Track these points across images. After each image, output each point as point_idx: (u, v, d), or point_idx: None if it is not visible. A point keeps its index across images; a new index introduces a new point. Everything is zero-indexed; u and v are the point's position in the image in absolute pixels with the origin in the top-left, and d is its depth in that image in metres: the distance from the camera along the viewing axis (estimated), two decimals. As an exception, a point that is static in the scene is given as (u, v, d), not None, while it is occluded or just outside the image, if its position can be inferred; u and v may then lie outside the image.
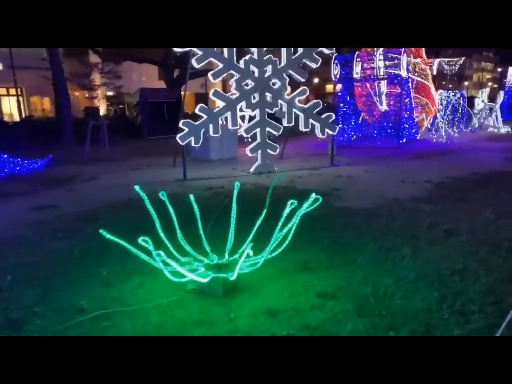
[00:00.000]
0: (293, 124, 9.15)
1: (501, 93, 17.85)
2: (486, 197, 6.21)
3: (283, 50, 8.79)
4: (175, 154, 10.17)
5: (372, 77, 12.96)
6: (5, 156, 9.75)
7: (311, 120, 9.20)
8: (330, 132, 9.50)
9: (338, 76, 13.22)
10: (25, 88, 30.02)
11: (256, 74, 8.64)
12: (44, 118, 21.47)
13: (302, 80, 9.09)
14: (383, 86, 13.86)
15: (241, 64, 8.46)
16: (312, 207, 3.39)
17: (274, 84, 8.85)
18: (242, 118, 11.44)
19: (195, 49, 7.96)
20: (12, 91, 29.86)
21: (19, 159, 9.88)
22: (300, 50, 8.91)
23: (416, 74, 14.30)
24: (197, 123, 8.22)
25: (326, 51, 9.14)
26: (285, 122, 9.08)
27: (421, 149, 12.18)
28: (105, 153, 12.62)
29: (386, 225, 4.94)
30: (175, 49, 8.64)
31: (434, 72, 16.35)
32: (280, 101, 8.91)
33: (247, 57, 8.52)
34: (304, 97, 9.12)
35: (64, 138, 15.78)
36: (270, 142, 9.05)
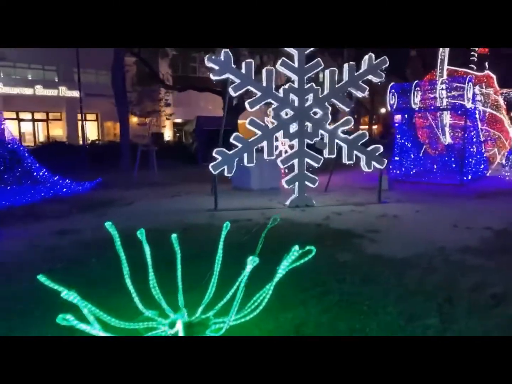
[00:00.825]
0: (335, 155, 8.51)
1: None
2: (558, 252, 5.06)
3: (326, 78, 8.30)
4: (213, 182, 9.95)
5: (432, 107, 11.91)
6: (56, 177, 10.20)
7: (355, 152, 8.50)
8: (378, 166, 8.70)
9: (395, 106, 12.35)
10: (100, 114, 32.50)
11: (296, 103, 8.21)
12: (109, 142, 22.77)
13: (347, 109, 8.48)
14: (446, 117, 12.71)
15: (280, 92, 8.10)
16: (301, 261, 2.77)
17: (315, 113, 8.35)
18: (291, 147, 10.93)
19: (232, 77, 7.76)
20: (91, 116, 32.55)
21: (67, 181, 10.28)
22: (346, 78, 8.36)
23: (486, 105, 12.95)
24: (231, 152, 7.93)
25: (374, 79, 8.48)
26: (326, 154, 8.48)
27: (488, 188, 10.78)
28: (153, 178, 12.83)
29: (418, 281, 4.11)
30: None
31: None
32: (321, 131, 8.36)
33: (286, 85, 8.15)
34: (348, 127, 8.48)
35: (121, 162, 16.47)
36: (308, 174, 8.47)
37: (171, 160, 18.00)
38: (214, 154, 7.88)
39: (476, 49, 15.77)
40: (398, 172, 12.81)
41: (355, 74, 8.32)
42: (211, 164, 7.91)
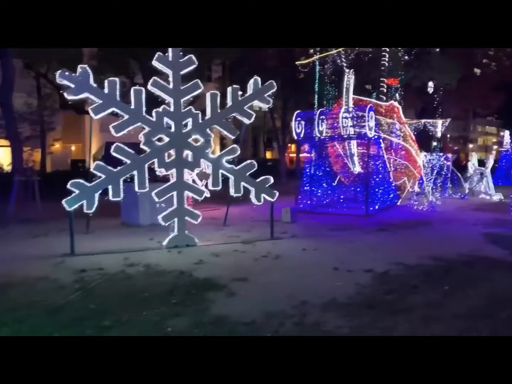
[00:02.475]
0: (220, 187, 7.58)
1: (490, 157, 16.28)
2: (430, 304, 4.38)
3: (207, 103, 7.45)
4: (88, 219, 8.61)
5: (336, 136, 11.56)
6: None
7: (243, 184, 7.64)
8: (269, 199, 7.90)
9: (302, 135, 11.87)
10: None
11: (173, 129, 7.24)
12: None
13: (232, 137, 7.66)
14: (354, 146, 12.45)
15: (153, 116, 7.09)
16: None
17: (197, 140, 7.43)
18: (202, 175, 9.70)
19: (92, 97, 6.63)
20: (3, 141, 29.32)
21: None
22: (229, 102, 7.58)
23: (392, 134, 12.93)
24: (91, 184, 6.71)
25: (261, 104, 7.79)
26: (210, 185, 7.54)
27: (393, 219, 10.42)
28: (32, 212, 11.09)
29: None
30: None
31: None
32: (203, 161, 7.43)
33: (160, 108, 7.16)
34: (233, 156, 7.63)
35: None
36: (190, 208, 7.44)
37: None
38: (69, 187, 6.61)
39: (385, 80, 16.09)
40: (308, 202, 12.25)
41: (239, 99, 7.57)
42: (65, 199, 6.62)
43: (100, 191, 6.74)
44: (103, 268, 5.88)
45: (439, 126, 17.37)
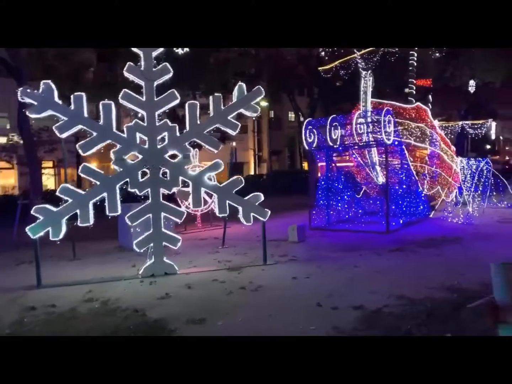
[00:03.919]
0: (202, 208, 6.80)
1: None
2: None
3: (186, 114, 6.75)
4: (73, 244, 8.15)
5: (351, 144, 10.42)
6: None
7: (229, 202, 6.81)
8: (260, 218, 6.99)
9: (315, 144, 10.84)
10: (56, 161, 30.47)
11: (146, 145, 6.59)
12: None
13: (215, 151, 6.87)
14: (375, 154, 11.23)
15: (124, 132, 6.49)
16: None
17: (174, 156, 6.73)
18: (181, 195, 9.23)
19: (56, 114, 6.16)
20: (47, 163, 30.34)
21: None
22: (211, 113, 6.83)
23: (418, 140, 11.55)
24: (57, 209, 6.18)
25: (247, 113, 6.96)
26: (191, 206, 6.79)
27: (416, 236, 9.09)
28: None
29: None
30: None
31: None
32: (182, 178, 6.70)
33: (132, 123, 6.55)
34: (216, 172, 6.84)
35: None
36: (167, 232, 6.71)
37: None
38: (33, 212, 6.12)
39: (414, 81, 14.71)
40: (325, 217, 11.16)
41: (222, 108, 6.80)
42: (28, 227, 6.13)
43: (67, 217, 6.20)
44: (56, 305, 5.25)
45: (492, 128, 15.58)
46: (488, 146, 53.72)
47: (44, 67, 14.81)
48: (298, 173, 29.96)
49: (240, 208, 6.85)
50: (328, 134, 10.17)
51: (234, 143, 35.13)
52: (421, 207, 11.58)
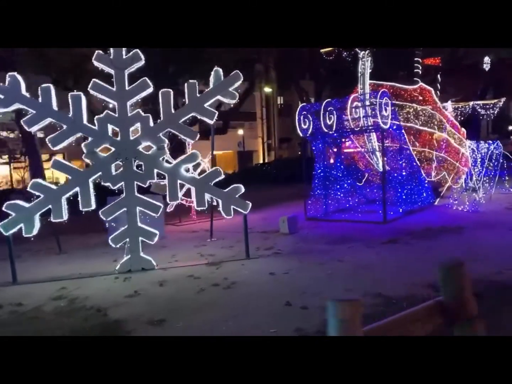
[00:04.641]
0: (179, 200, 6.54)
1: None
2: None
3: (160, 102, 6.44)
4: (57, 238, 8.05)
5: (346, 130, 9.92)
6: None
7: (208, 195, 6.53)
8: (241, 211, 6.69)
9: (310, 131, 10.38)
10: (67, 154, 30.83)
11: (119, 137, 6.33)
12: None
13: (191, 141, 6.57)
14: (374, 140, 10.71)
15: (95, 124, 6.24)
16: None
17: (149, 148, 6.46)
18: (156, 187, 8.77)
19: (24, 107, 5.95)
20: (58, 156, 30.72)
21: None
22: (186, 100, 6.50)
23: (420, 123, 10.95)
24: (29, 205, 6.02)
25: (225, 100, 6.61)
26: (167, 199, 6.53)
27: (415, 225, 8.63)
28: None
29: None
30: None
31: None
32: (157, 171, 6.43)
33: (102, 114, 6.29)
34: (194, 163, 6.54)
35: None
36: (144, 227, 6.48)
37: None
38: (4, 209, 5.98)
39: (420, 60, 13.99)
40: (323, 207, 10.78)
41: (197, 95, 6.46)
42: (1, 223, 6.00)
43: (40, 212, 6.04)
44: (22, 303, 5.12)
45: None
46: (511, 128, 51.53)
47: (45, 61, 14.68)
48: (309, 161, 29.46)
49: (219, 201, 6.56)
50: (322, 119, 9.71)
51: (241, 131, 34.81)
52: (424, 195, 11.05)
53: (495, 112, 14.32)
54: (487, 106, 14.21)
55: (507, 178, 13.54)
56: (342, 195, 10.99)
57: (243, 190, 6.60)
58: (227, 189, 6.56)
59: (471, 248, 6.49)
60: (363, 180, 12.59)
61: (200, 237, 8.92)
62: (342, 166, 11.63)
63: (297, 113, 10.32)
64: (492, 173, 12.56)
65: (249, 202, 6.66)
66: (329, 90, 23.64)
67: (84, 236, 9.53)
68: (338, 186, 11.16)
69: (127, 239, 6.37)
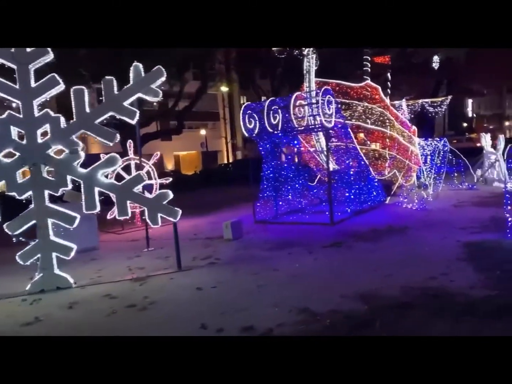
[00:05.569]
0: (98, 210, 5.88)
1: (501, 137, 13.54)
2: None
3: (72, 102, 5.77)
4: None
5: (289, 130, 9.54)
6: None
7: (130, 203, 5.91)
8: (170, 219, 6.12)
9: (256, 131, 9.92)
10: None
11: (24, 140, 5.61)
12: None
13: (109, 143, 5.92)
14: (322, 139, 10.40)
15: (-5, 126, 5.49)
16: None
17: (61, 152, 5.78)
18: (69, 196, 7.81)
19: None
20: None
21: None
22: (104, 98, 5.86)
23: (369, 122, 10.76)
24: None
25: (147, 98, 6.01)
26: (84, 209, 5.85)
27: (361, 226, 8.35)
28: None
29: None
30: None
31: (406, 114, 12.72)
32: (70, 178, 5.75)
33: (4, 115, 5.55)
34: (112, 168, 5.92)
35: None
36: (58, 240, 5.78)
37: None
38: None
39: (369, 57, 13.89)
40: (273, 209, 10.36)
41: (115, 93, 5.83)
42: None
43: None
44: None
45: (468, 105, 14.76)
46: (465, 124, 53.56)
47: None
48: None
49: (145, 209, 5.96)
50: (266, 119, 9.28)
51: (204, 131, 34.10)
52: (374, 194, 10.87)
53: (443, 110, 14.43)
54: (435, 104, 14.29)
55: (456, 174, 13.68)
56: (292, 196, 10.61)
57: (171, 196, 6.02)
58: (153, 195, 5.98)
59: (411, 251, 6.24)
60: (316, 180, 12.32)
61: (137, 247, 8.25)
62: (293, 166, 11.28)
63: (241, 112, 9.84)
64: (441, 170, 12.60)
65: (178, 209, 6.08)
66: (287, 89, 23.40)
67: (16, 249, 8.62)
68: (289, 187, 10.80)
69: (39, 255, 5.66)
